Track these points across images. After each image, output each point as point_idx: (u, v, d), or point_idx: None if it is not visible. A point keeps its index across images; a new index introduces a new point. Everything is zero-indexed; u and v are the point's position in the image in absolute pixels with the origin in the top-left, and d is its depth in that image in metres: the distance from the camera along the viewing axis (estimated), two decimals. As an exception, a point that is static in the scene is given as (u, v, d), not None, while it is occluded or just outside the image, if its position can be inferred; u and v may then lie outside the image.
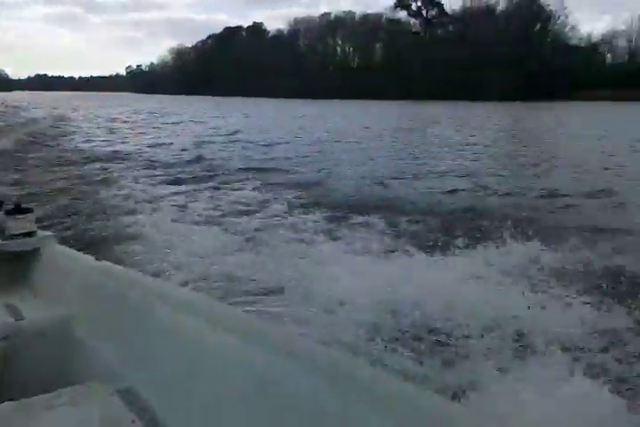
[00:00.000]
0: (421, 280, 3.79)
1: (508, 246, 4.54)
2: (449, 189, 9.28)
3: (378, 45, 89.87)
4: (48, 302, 2.04)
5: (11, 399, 1.30)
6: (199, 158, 13.00)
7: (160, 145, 16.33)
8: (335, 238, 5.46)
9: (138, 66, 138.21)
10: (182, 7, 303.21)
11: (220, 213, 6.94)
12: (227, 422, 1.17)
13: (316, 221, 6.34)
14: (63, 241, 2.60)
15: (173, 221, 6.34)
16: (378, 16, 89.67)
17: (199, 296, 1.95)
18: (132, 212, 6.75)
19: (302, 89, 78.57)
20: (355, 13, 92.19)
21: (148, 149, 14.97)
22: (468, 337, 3.12)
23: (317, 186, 9.49)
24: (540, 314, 3.34)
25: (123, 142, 17.15)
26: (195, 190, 8.66)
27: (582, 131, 23.01)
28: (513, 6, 74.63)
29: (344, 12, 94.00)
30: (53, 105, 47.06)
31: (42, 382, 1.52)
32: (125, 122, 28.24)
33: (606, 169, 11.54)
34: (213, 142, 17.46)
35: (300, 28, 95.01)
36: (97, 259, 2.01)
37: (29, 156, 12.74)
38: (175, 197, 7.99)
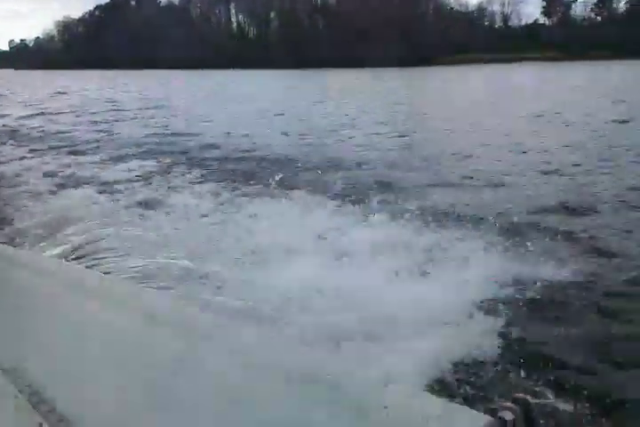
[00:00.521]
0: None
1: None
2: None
3: (272, 14, 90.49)
4: None
5: None
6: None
7: None
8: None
9: (22, 40, 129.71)
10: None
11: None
12: (117, 398, 1.13)
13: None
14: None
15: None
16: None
17: (93, 273, 2.00)
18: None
19: (198, 60, 78.48)
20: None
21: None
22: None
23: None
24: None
25: None
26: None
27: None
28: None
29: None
30: None
31: None
32: None
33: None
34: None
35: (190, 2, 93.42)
36: None
37: None
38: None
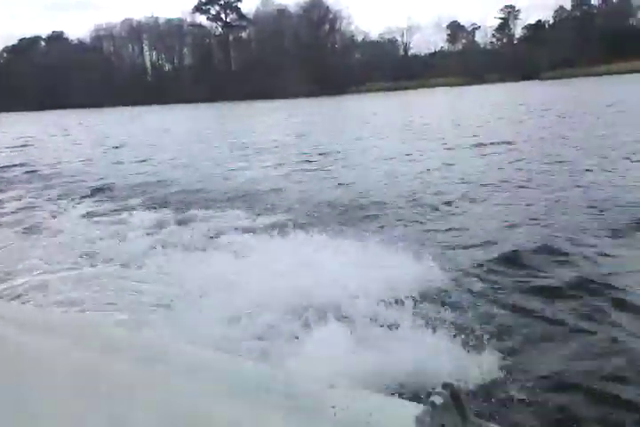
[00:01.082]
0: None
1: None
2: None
3: (185, 49, 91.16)
4: None
5: None
6: None
7: None
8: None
9: None
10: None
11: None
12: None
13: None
14: None
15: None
16: (182, 21, 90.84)
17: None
18: None
19: (115, 96, 77.78)
20: (158, 18, 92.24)
21: None
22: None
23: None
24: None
25: None
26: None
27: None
28: (302, 8, 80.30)
29: (146, 17, 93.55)
30: None
31: None
32: None
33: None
34: None
35: (102, 35, 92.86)
36: None
37: None
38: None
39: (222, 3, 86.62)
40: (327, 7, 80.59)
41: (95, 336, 1.51)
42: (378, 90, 69.53)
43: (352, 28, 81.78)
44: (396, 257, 4.26)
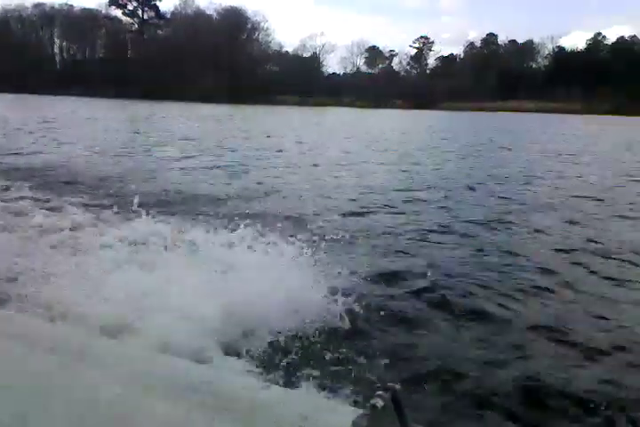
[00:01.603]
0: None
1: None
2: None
3: (99, 42, 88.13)
4: None
5: None
6: None
7: None
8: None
9: None
10: None
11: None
12: None
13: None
14: None
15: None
16: (97, 12, 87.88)
17: None
18: None
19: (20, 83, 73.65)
20: (73, 6, 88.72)
21: None
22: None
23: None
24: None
25: None
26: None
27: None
28: (220, 15, 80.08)
29: (60, 4, 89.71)
30: None
31: None
32: None
33: None
34: None
35: (10, 17, 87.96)
36: None
37: None
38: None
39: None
40: (246, 16, 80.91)
41: (12, 331, 1.48)
42: (289, 103, 70.25)
43: (270, 39, 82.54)
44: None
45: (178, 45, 76.42)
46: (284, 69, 78.03)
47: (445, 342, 3.46)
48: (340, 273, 3.88)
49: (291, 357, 2.98)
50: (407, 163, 13.84)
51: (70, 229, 5.23)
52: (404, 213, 7.44)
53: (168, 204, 7.14)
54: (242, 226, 4.22)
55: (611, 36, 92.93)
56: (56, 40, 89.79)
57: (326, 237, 4.30)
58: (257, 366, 2.80)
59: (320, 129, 28.59)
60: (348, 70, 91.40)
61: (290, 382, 2.65)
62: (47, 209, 6.33)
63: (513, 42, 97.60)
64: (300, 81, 74.89)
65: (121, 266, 3.85)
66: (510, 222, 7.11)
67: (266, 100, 70.69)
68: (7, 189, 7.69)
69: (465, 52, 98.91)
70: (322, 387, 2.64)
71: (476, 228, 6.72)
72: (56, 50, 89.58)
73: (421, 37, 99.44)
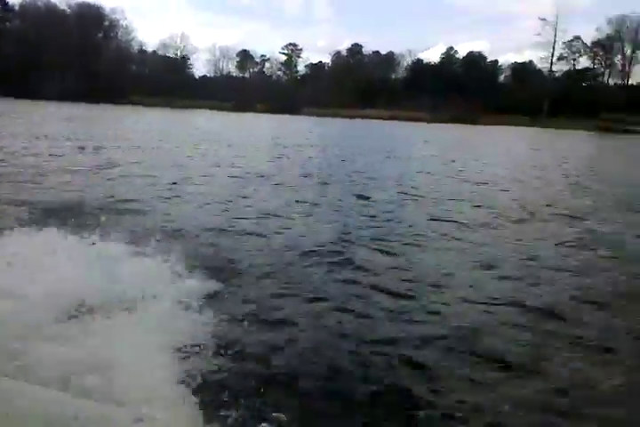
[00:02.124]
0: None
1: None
2: None
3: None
4: None
5: None
6: None
7: None
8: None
9: None
10: None
11: None
12: None
13: None
14: None
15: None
16: None
17: None
18: None
19: None
20: None
21: None
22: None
23: None
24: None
25: None
26: None
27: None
28: (74, 11, 75.97)
29: None
30: None
31: None
32: None
33: None
34: None
35: None
36: None
37: None
38: None
39: (-15, -12, 77.99)
40: (103, 13, 77.49)
41: None
42: (148, 105, 68.20)
43: (130, 38, 79.72)
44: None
45: (29, 41, 71.33)
46: (148, 70, 75.63)
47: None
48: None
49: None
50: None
51: None
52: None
53: None
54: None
55: (462, 51, 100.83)
56: None
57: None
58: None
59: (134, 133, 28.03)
60: (216, 73, 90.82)
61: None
62: None
63: (377, 53, 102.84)
64: (164, 82, 73.12)
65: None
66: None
67: (126, 101, 68.21)
68: None
69: (332, 60, 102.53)
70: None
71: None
72: None
73: (290, 44, 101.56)
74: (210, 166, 13.47)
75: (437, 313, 4.22)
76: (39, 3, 75.67)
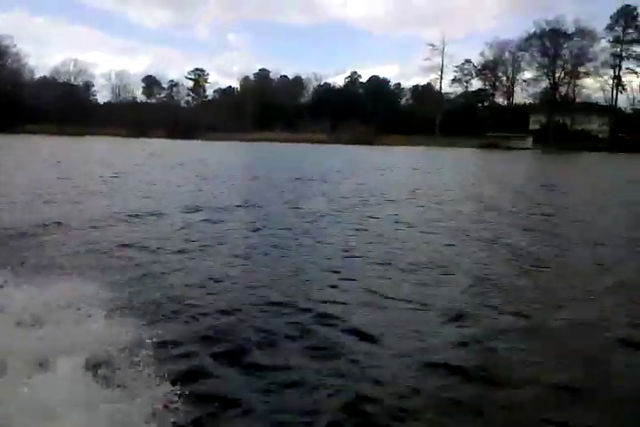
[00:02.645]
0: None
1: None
2: None
3: None
4: None
5: None
6: None
7: None
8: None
9: None
10: None
11: None
12: None
13: None
14: None
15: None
16: None
17: None
18: None
19: None
20: None
21: None
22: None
23: None
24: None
25: None
26: None
27: None
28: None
29: None
30: None
31: None
32: None
33: None
34: None
35: None
36: None
37: None
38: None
39: None
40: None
41: None
42: (44, 132, 66.45)
43: (22, 64, 77.81)
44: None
45: None
46: (43, 97, 73.66)
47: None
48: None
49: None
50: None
51: None
52: None
53: None
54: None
55: (368, 75, 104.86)
56: None
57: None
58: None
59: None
60: (118, 99, 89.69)
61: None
62: None
63: (284, 77, 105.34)
64: (59, 110, 71.49)
65: None
66: None
67: (19, 130, 66.16)
68: None
69: (241, 85, 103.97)
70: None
71: None
72: None
73: (197, 69, 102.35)
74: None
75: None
76: None
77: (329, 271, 5.77)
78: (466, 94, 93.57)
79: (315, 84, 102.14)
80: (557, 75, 76.84)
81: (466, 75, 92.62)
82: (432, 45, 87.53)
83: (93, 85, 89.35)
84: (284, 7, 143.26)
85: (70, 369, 2.84)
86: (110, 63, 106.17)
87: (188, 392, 2.81)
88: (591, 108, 75.84)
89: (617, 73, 76.93)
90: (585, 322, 4.38)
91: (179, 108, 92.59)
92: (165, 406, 2.67)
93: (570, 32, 75.47)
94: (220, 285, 5.13)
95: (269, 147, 56.50)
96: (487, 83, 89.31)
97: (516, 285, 5.41)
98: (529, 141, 69.30)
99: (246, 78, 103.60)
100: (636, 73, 76.50)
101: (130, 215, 8.94)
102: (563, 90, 76.92)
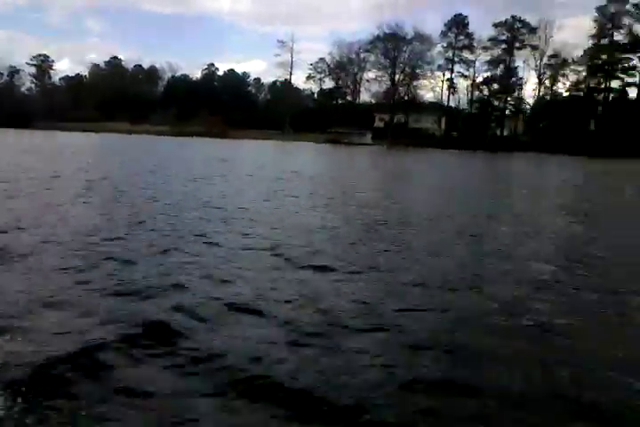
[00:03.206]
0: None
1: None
2: None
3: None
4: None
5: None
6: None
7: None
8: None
9: None
10: None
11: None
12: None
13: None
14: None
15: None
16: None
17: None
18: None
19: None
20: None
21: None
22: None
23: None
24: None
25: None
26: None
27: None
28: None
29: None
30: None
31: None
32: None
33: None
34: None
35: None
36: None
37: None
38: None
39: None
40: None
41: None
42: None
43: None
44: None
45: None
46: None
47: None
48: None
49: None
50: None
51: None
52: None
53: None
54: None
55: (230, 69, 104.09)
56: None
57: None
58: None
59: None
60: None
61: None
62: None
63: (139, 66, 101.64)
64: None
65: None
66: None
67: None
68: None
69: (90, 73, 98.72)
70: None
71: None
72: None
73: (39, 55, 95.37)
74: None
75: None
76: None
77: None
78: (321, 92, 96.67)
79: (169, 74, 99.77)
80: (397, 76, 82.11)
81: (320, 73, 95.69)
82: (282, 42, 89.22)
83: None
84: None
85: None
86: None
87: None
88: (428, 107, 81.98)
89: (450, 76, 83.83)
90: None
91: (14, 96, 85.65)
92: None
93: (409, 37, 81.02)
94: None
95: (92, 139, 54.42)
96: (340, 82, 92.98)
97: None
98: (368, 137, 73.36)
99: (96, 66, 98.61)
100: (465, 76, 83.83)
101: None
102: (402, 90, 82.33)
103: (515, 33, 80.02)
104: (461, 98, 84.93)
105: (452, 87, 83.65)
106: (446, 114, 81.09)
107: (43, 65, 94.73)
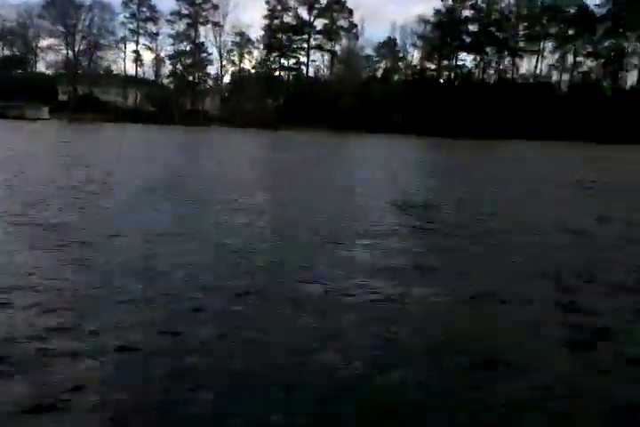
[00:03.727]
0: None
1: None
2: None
3: None
4: None
5: None
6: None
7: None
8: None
9: None
10: None
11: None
12: None
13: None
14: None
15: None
16: None
17: None
18: None
19: None
20: None
21: None
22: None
23: None
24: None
25: None
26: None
27: None
28: None
29: None
30: None
31: None
32: None
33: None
34: None
35: None
36: None
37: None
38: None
39: None
40: None
41: None
42: None
43: None
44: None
45: None
46: None
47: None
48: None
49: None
50: None
51: None
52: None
53: None
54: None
55: None
56: None
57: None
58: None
59: None
60: None
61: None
62: None
63: None
64: None
65: None
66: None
67: None
68: None
69: None
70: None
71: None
72: None
73: None
74: None
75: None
76: None
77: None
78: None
79: None
80: (78, 46, 76.63)
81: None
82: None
83: None
84: None
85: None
86: None
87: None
88: (118, 80, 78.65)
89: (136, 48, 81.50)
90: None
91: None
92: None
93: (88, 3, 75.72)
94: None
95: None
96: (15, 49, 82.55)
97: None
98: (45, 111, 67.06)
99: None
100: (150, 49, 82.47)
101: None
102: (84, 60, 77.19)
103: (197, 8, 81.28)
104: (148, 71, 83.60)
105: (138, 60, 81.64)
106: (140, 87, 78.94)
107: None
